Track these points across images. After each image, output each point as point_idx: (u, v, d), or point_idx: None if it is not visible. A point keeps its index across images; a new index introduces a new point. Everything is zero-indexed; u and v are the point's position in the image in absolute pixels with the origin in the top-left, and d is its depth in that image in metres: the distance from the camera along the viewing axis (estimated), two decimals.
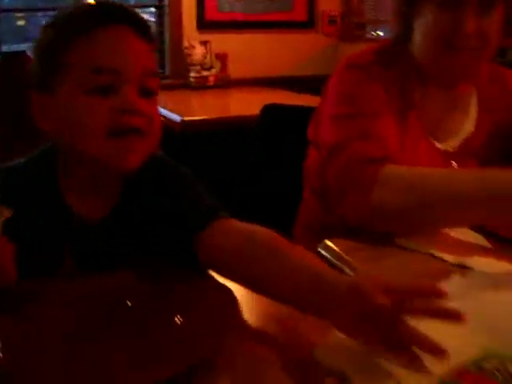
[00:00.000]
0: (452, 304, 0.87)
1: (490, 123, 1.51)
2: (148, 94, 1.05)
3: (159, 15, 4.23)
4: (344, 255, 1.12)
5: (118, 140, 1.01)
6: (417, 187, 1.22)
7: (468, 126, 1.50)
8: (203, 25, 4.16)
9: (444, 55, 1.39)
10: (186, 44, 4.10)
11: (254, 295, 0.94)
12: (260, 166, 1.97)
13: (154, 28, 4.30)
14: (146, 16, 4.76)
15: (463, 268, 1.07)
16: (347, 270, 1.07)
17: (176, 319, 0.84)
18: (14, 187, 1.08)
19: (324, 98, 1.48)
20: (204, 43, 4.11)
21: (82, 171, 1.08)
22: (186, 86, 4.02)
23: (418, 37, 1.43)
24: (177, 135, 2.77)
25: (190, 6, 4.13)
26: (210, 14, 4.17)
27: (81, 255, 1.06)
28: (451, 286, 0.95)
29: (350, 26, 4.58)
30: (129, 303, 0.89)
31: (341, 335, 0.79)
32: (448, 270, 1.05)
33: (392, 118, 1.37)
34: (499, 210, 1.18)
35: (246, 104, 3.36)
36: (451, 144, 1.48)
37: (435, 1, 1.37)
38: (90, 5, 1.11)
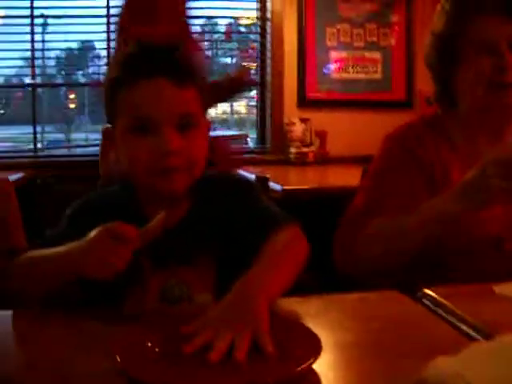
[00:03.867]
0: None
1: None
2: (186, 127, 1.18)
3: (261, 92, 4.36)
4: (444, 301, 1.15)
5: (159, 177, 1.16)
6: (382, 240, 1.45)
7: None
8: (303, 103, 4.25)
9: (489, 94, 1.48)
10: (286, 121, 4.20)
11: None
12: None
13: (255, 105, 4.46)
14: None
15: None
16: (447, 316, 1.09)
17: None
18: (102, 207, 1.26)
19: None
20: (304, 120, 4.20)
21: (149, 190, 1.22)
22: (287, 162, 4.10)
23: (461, 90, 1.54)
24: (278, 204, 2.82)
25: (292, 85, 4.23)
26: (311, 93, 4.27)
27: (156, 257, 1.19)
28: None
29: None
30: None
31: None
32: None
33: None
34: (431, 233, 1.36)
35: (344, 177, 3.40)
36: None
37: (474, 49, 1.48)
38: (137, 54, 1.23)
